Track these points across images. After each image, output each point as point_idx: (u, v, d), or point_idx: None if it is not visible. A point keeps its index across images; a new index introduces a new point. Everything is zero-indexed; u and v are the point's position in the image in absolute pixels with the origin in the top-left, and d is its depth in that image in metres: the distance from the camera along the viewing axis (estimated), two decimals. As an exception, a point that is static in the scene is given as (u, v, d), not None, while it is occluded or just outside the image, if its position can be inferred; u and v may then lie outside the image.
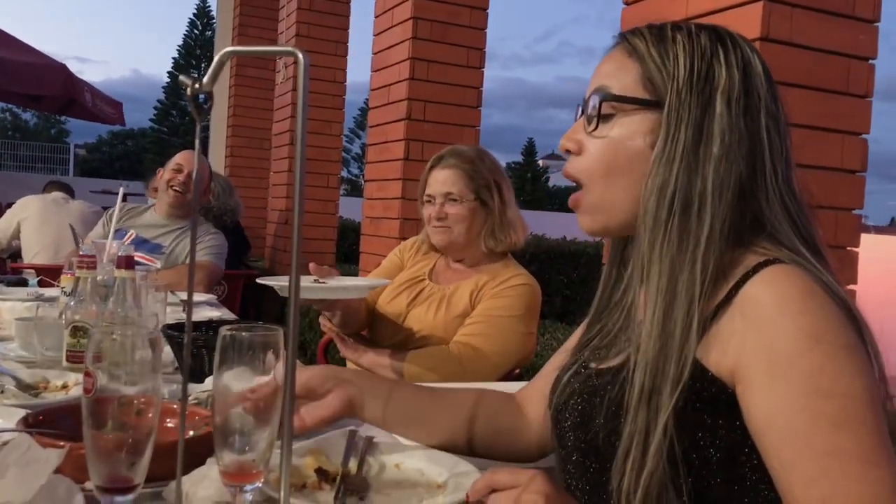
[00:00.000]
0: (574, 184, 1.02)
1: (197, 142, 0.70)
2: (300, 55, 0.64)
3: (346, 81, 5.57)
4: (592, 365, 1.03)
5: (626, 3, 2.31)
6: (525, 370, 2.50)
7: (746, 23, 1.90)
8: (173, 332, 1.66)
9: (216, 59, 0.67)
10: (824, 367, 0.78)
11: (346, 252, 7.49)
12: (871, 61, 2.01)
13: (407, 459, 1.16)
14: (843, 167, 2.00)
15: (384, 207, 3.88)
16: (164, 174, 3.56)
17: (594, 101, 0.96)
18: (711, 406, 0.85)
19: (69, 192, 5.07)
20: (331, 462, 1.12)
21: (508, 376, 2.29)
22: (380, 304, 2.31)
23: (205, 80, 0.67)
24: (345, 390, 1.15)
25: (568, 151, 0.99)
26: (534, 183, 46.37)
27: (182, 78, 0.69)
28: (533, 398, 1.23)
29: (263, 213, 6.41)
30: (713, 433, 0.86)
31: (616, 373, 0.95)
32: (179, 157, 3.56)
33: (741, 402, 0.84)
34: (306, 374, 1.14)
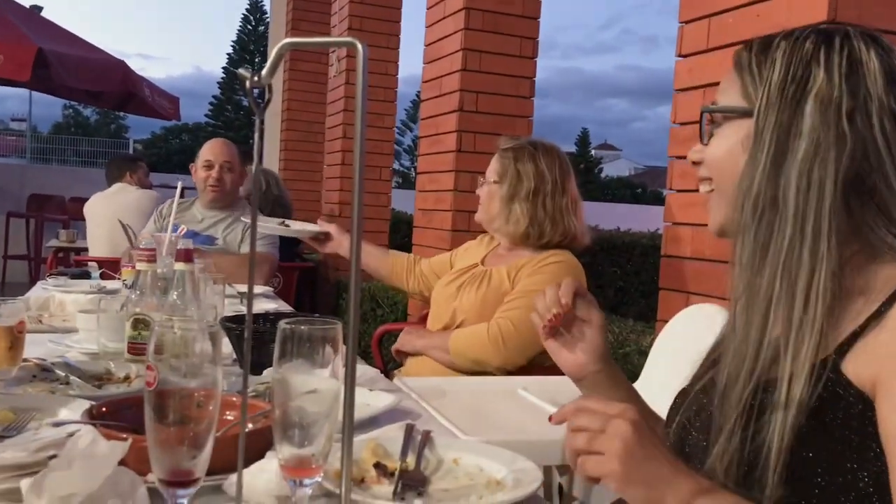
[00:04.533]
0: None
1: (257, 135, 0.69)
2: (359, 45, 0.63)
3: (398, 74, 5.57)
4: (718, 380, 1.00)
5: (685, -12, 2.25)
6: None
7: (812, 6, 1.84)
8: (232, 325, 1.67)
9: (274, 51, 0.66)
10: None
11: (400, 244, 7.50)
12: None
13: (465, 455, 1.15)
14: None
15: (436, 199, 3.87)
16: (198, 172, 3.57)
17: (707, 116, 1.01)
18: (858, 421, 0.83)
19: (132, 165, 5.24)
20: (389, 456, 1.11)
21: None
22: (435, 290, 2.44)
23: (263, 73, 0.66)
24: None
25: (695, 163, 1.03)
26: (587, 174, 45.86)
27: (240, 71, 0.68)
28: None
29: (317, 206, 6.46)
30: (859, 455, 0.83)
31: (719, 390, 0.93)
32: (207, 153, 3.56)
33: (877, 412, 0.82)
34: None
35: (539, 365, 2.12)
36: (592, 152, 53.61)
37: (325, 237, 2.65)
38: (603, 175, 51.41)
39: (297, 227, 2.83)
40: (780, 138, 0.90)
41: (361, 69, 0.65)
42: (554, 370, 2.20)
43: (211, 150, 3.58)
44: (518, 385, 1.76)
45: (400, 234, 7.75)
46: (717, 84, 2.25)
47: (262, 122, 0.68)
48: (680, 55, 2.34)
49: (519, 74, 3.77)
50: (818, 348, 0.84)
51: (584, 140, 48.63)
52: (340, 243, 2.61)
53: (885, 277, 0.87)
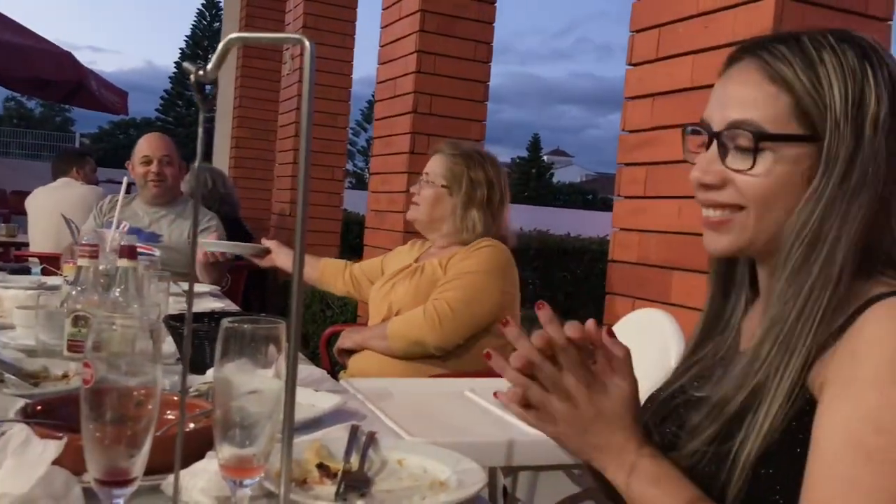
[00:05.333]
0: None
1: (200, 130, 0.68)
2: (307, 42, 0.63)
3: (352, 74, 5.55)
4: (691, 391, 1.00)
5: (637, -2, 2.29)
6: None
7: (758, 19, 1.89)
8: (175, 323, 1.65)
9: (221, 45, 0.65)
10: (894, 405, 0.75)
11: (352, 245, 7.48)
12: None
13: (409, 456, 1.15)
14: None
15: (389, 201, 3.87)
16: (136, 168, 3.49)
17: (742, 137, 0.89)
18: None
19: (80, 160, 5.12)
20: (333, 457, 1.11)
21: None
22: (371, 293, 2.49)
23: (209, 67, 0.65)
24: None
25: (704, 185, 0.93)
26: (538, 179, 46.17)
27: (186, 65, 0.67)
28: None
29: (268, 205, 6.40)
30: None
31: (706, 402, 0.91)
32: (145, 148, 3.49)
33: (815, 418, 0.81)
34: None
35: (477, 342, 2.20)
36: (544, 158, 54.02)
37: (265, 253, 2.77)
38: (555, 181, 51.87)
39: (242, 245, 3.01)
40: (847, 171, 0.84)
41: (309, 66, 0.65)
42: (495, 373, 2.23)
43: (148, 145, 3.50)
44: (465, 387, 1.76)
45: (352, 235, 7.72)
46: (667, 93, 2.30)
47: (206, 117, 0.67)
48: (631, 64, 2.37)
49: (473, 78, 3.79)
50: (802, 369, 0.83)
51: (535, 145, 48.98)
52: (278, 255, 2.72)
53: (859, 293, 0.85)
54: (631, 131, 2.37)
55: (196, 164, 0.73)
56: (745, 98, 0.90)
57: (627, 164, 2.37)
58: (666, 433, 0.96)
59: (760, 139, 0.87)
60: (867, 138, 0.85)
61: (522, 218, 12.19)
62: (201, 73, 0.66)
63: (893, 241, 0.87)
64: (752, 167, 0.88)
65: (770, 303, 0.88)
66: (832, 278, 0.83)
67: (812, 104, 0.86)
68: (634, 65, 2.35)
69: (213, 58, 0.66)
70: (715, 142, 0.92)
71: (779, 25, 1.84)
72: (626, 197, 2.37)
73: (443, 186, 2.33)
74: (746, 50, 0.93)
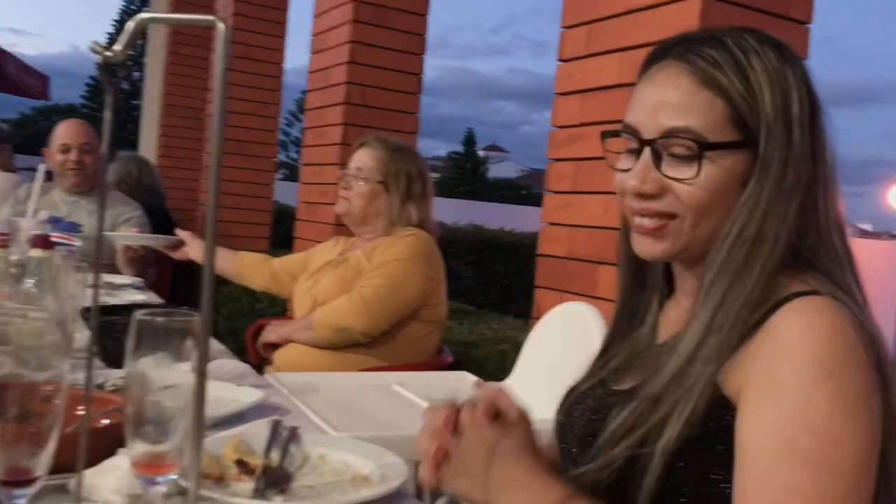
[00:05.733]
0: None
1: (108, 113, 0.65)
2: (219, 25, 0.61)
3: (283, 63, 5.46)
4: (610, 385, 0.99)
5: (568, -6, 2.31)
6: (455, 351, 2.51)
7: (684, 18, 1.92)
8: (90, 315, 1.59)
9: (130, 25, 0.62)
10: (821, 404, 0.75)
11: (285, 237, 7.37)
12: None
13: (332, 451, 1.14)
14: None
15: (320, 192, 3.82)
16: (54, 155, 3.36)
17: (680, 145, 0.88)
18: (727, 433, 0.82)
19: None
20: (253, 453, 1.08)
21: (441, 363, 2.29)
22: (295, 289, 2.47)
23: (117, 47, 0.63)
24: None
25: (642, 195, 0.91)
26: (474, 173, 46.40)
27: (93, 44, 0.64)
28: None
29: (197, 196, 6.25)
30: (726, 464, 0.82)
31: (629, 396, 0.90)
32: (63, 135, 3.35)
33: (736, 423, 0.81)
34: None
35: (403, 328, 2.22)
36: (480, 153, 54.33)
37: (179, 244, 2.73)
38: (490, 176, 52.22)
39: (154, 237, 3.03)
40: (779, 176, 0.86)
41: (222, 50, 0.63)
42: (429, 365, 2.23)
43: (67, 132, 3.36)
44: (393, 380, 1.76)
45: (284, 228, 7.59)
46: (596, 89, 2.32)
47: (113, 99, 0.65)
48: (561, 60, 2.39)
49: (406, 70, 3.76)
50: (718, 365, 0.83)
51: (470, 140, 49.19)
52: (192, 247, 2.67)
53: (777, 290, 0.85)
54: (560, 127, 2.39)
55: (104, 149, 0.70)
56: (680, 105, 0.88)
57: (557, 160, 2.39)
58: (586, 426, 0.96)
59: (702, 148, 0.86)
60: (797, 139, 0.86)
61: (457, 212, 12.23)
62: (109, 54, 0.63)
63: (818, 239, 0.88)
64: (696, 175, 0.87)
65: (702, 302, 0.87)
66: (764, 277, 0.84)
67: (747, 110, 0.87)
68: (565, 61, 2.37)
69: (122, 38, 0.63)
70: (648, 149, 0.90)
71: (705, 25, 1.88)
72: (555, 192, 2.39)
73: (379, 182, 2.33)
74: (668, 51, 0.92)
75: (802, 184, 0.86)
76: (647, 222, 0.91)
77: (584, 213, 2.25)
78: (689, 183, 0.87)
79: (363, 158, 2.37)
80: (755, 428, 0.77)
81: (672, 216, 0.90)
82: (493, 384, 0.95)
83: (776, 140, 0.86)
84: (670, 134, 0.88)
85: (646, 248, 0.93)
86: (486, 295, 8.05)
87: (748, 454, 0.77)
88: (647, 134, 0.90)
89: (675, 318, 0.98)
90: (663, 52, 0.93)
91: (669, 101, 0.89)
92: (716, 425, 0.82)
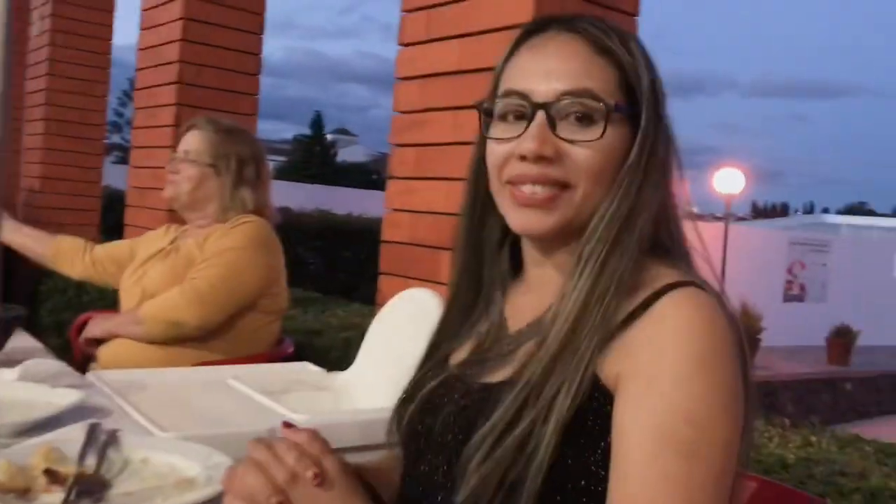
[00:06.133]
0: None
1: None
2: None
3: (112, 39, 5.13)
4: (472, 380, 0.92)
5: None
6: (298, 341, 2.45)
7: (521, 7, 1.94)
8: None
9: None
10: (702, 395, 0.76)
11: (117, 224, 6.94)
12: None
13: (156, 453, 1.07)
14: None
15: (152, 177, 3.62)
16: None
17: (578, 106, 0.86)
18: (604, 422, 0.79)
19: None
20: (65, 461, 1.00)
21: (281, 354, 2.22)
22: (122, 281, 2.33)
23: None
24: None
25: (541, 158, 0.86)
26: (322, 157, 45.72)
27: None
28: None
29: (16, 181, 5.76)
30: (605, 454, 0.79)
31: (503, 387, 0.85)
32: None
33: (613, 412, 0.79)
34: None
35: (241, 320, 2.13)
36: (328, 136, 53.66)
37: None
38: (339, 160, 51.66)
39: None
40: (654, 150, 0.87)
41: (3, 16, 0.56)
42: (268, 356, 2.16)
43: None
44: (228, 375, 1.68)
45: (116, 214, 7.16)
46: (437, 75, 2.32)
47: None
48: (402, 44, 2.37)
49: (244, 49, 3.63)
50: (594, 352, 0.80)
51: (318, 123, 48.36)
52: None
53: (654, 275, 0.84)
54: (403, 112, 2.37)
55: None
56: (578, 69, 0.87)
57: (399, 146, 2.37)
58: (454, 425, 0.88)
59: (608, 109, 0.85)
60: (664, 122, 0.88)
61: (305, 197, 11.99)
62: None
63: (675, 225, 0.89)
64: (600, 137, 0.85)
65: (580, 272, 0.84)
66: (633, 260, 0.83)
67: (635, 78, 0.88)
68: (405, 45, 2.35)
69: None
70: (543, 113, 0.86)
71: (539, 11, 1.91)
72: (398, 178, 2.37)
73: (209, 165, 2.22)
74: (549, 24, 0.91)
75: (669, 165, 0.88)
76: (540, 191, 0.87)
77: (426, 198, 2.25)
78: (589, 146, 0.86)
79: (192, 140, 2.26)
80: (635, 419, 0.76)
81: (565, 185, 0.87)
82: (304, 427, 0.86)
83: (650, 116, 0.87)
84: (570, 95, 0.86)
85: (533, 222, 0.88)
86: (334, 281, 7.98)
87: (628, 444, 0.76)
88: (541, 97, 0.87)
89: (527, 305, 0.95)
90: (544, 24, 0.92)
91: (566, 66, 0.87)
92: (595, 415, 0.79)
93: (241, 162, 2.24)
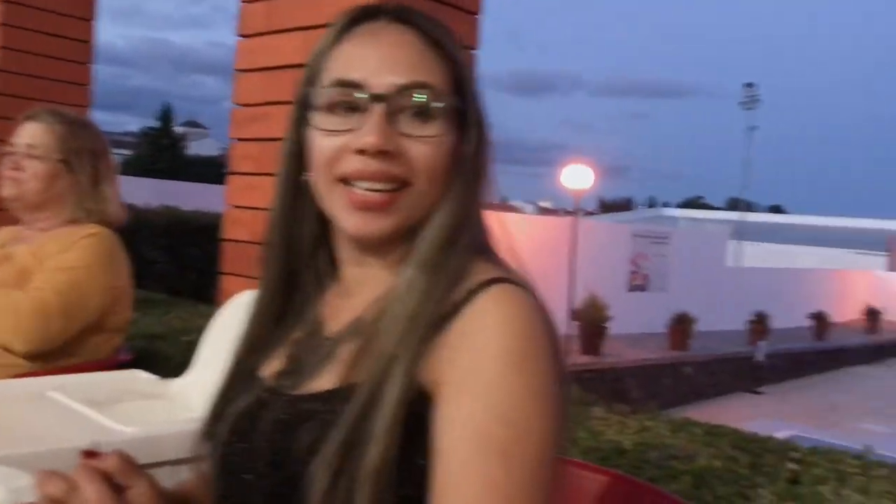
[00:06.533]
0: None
1: None
2: None
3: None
4: (290, 391, 0.85)
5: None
6: (139, 346, 2.33)
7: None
8: None
9: None
10: (521, 394, 0.74)
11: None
12: (473, 52, 2.16)
13: (-49, 479, 0.97)
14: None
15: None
16: None
17: (418, 100, 0.83)
18: (424, 427, 0.76)
19: None
20: None
21: (114, 363, 2.09)
22: None
23: None
24: None
25: (382, 153, 0.82)
26: (171, 151, 43.72)
27: None
28: None
29: None
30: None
31: (326, 398, 0.80)
32: None
33: (433, 417, 0.76)
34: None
35: (79, 341, 1.97)
36: (177, 129, 51.44)
37: None
38: (190, 153, 49.66)
39: None
40: (480, 149, 0.87)
41: None
42: (100, 365, 2.02)
43: None
44: (49, 386, 1.56)
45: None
46: (279, 68, 2.26)
47: None
48: (241, 35, 2.30)
49: (72, 36, 3.40)
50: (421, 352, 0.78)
51: (166, 115, 46.18)
52: None
53: (470, 276, 0.82)
54: (243, 105, 2.30)
55: None
56: (414, 62, 0.84)
57: (240, 140, 2.30)
58: (277, 443, 0.81)
59: (443, 105, 0.83)
60: (485, 122, 0.88)
61: (152, 193, 11.43)
62: None
63: (485, 222, 0.89)
64: (441, 133, 0.83)
65: (409, 284, 0.81)
66: (469, 258, 0.83)
67: (465, 76, 0.86)
68: (245, 36, 2.28)
69: None
70: (382, 105, 0.82)
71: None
72: (240, 173, 2.30)
73: (60, 161, 2.04)
74: (378, 13, 0.87)
75: (487, 166, 0.88)
76: (377, 191, 0.83)
77: (269, 195, 2.17)
78: (427, 142, 0.83)
79: (35, 133, 2.06)
80: (451, 421, 0.74)
81: (405, 183, 0.83)
82: (112, 451, 0.80)
83: (475, 115, 0.87)
84: (409, 88, 0.83)
85: (370, 225, 0.84)
86: (182, 281, 7.65)
87: (447, 448, 0.74)
88: (379, 89, 0.83)
89: (344, 307, 0.90)
90: (373, 12, 0.87)
91: (400, 58, 0.84)
92: (416, 421, 0.76)
93: (96, 157, 2.09)
